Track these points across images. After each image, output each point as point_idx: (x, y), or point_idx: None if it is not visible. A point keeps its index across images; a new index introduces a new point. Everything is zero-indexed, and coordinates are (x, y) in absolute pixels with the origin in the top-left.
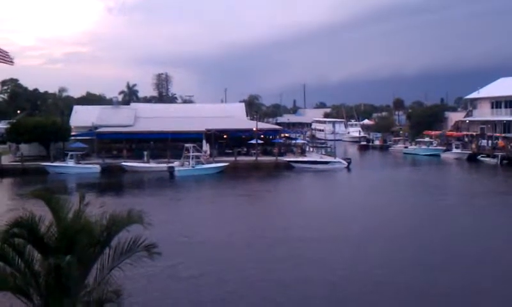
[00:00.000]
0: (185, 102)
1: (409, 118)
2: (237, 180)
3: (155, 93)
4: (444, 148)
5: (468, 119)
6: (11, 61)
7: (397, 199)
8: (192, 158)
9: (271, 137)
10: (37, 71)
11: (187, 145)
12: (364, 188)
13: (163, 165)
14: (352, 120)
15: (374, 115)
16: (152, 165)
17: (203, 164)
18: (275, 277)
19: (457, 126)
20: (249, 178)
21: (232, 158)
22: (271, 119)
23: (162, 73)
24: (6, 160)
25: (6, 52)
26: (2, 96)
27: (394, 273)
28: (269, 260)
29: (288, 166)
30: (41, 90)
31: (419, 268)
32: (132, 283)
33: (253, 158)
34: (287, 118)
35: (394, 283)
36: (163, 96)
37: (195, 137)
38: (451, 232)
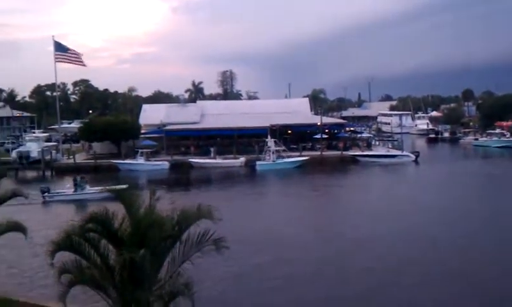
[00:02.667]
0: (249, 98)
1: (480, 109)
2: (316, 173)
3: (220, 90)
4: None
5: None
6: (83, 63)
7: (480, 195)
8: (273, 152)
9: (335, 131)
10: (107, 72)
11: (267, 140)
12: (440, 183)
13: (230, 161)
14: (420, 112)
15: (442, 106)
16: (219, 161)
17: (283, 158)
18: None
19: None
20: (324, 172)
21: (297, 153)
22: (335, 113)
23: (226, 71)
24: (80, 158)
25: (80, 54)
26: (74, 96)
27: None
28: (355, 261)
29: (354, 160)
30: (111, 90)
31: None
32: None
33: (318, 153)
34: (351, 112)
35: None
36: (228, 93)
37: (260, 133)
38: None
